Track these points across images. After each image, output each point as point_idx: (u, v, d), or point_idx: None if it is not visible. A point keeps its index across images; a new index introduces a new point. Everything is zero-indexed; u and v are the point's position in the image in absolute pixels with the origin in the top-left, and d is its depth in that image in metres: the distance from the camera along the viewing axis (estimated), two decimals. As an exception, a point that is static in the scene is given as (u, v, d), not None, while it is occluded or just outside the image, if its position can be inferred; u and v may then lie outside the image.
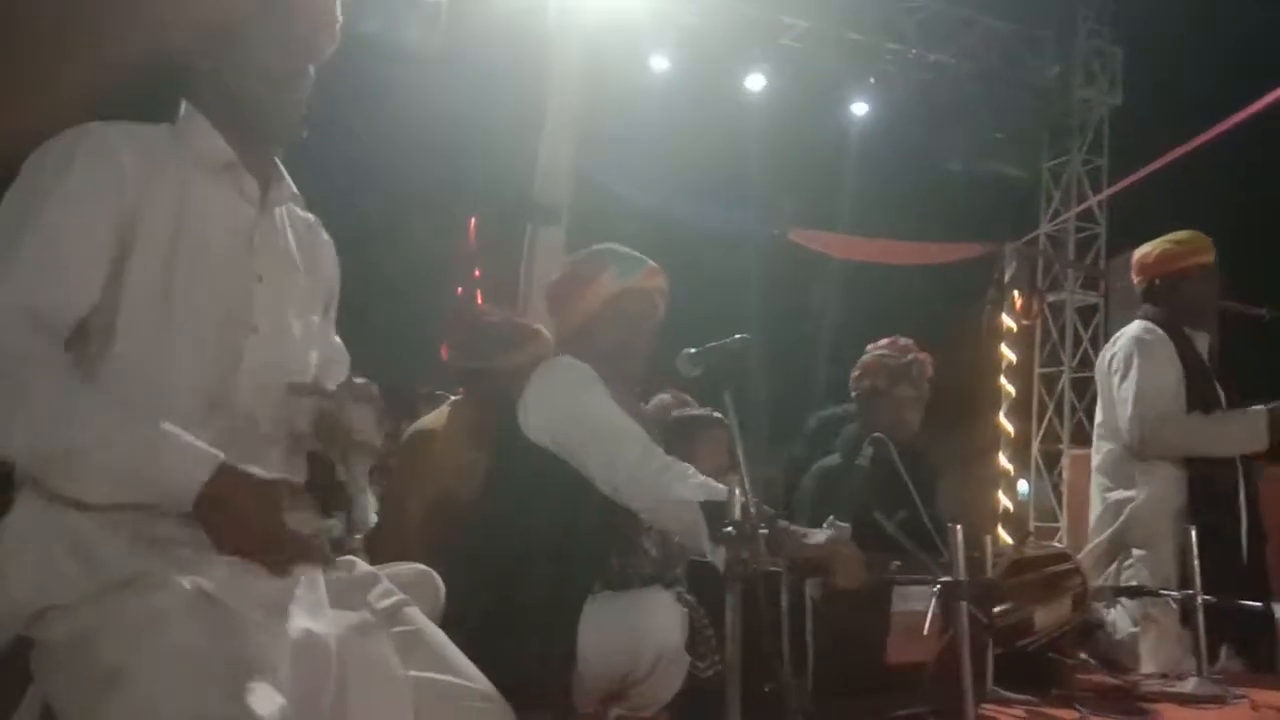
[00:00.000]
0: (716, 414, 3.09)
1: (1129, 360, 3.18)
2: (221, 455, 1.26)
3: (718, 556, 1.66)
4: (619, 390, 2.11)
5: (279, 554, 1.26)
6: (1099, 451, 3.33)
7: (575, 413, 1.96)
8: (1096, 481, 3.33)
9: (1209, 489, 3.09)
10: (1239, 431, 3.08)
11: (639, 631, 1.83)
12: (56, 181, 1.30)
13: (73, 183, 1.30)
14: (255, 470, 1.29)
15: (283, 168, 1.53)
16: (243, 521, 1.25)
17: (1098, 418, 3.39)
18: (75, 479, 1.22)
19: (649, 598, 1.93)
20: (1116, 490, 3.22)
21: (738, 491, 1.62)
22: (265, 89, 1.44)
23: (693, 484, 1.83)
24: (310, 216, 1.61)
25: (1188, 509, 3.06)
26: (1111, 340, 3.33)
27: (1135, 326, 3.27)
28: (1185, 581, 2.68)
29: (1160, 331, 3.22)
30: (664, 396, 3.20)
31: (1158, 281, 3.30)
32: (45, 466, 1.22)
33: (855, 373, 3.27)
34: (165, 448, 1.24)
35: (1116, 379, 3.20)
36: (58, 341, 1.28)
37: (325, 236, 1.64)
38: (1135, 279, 3.40)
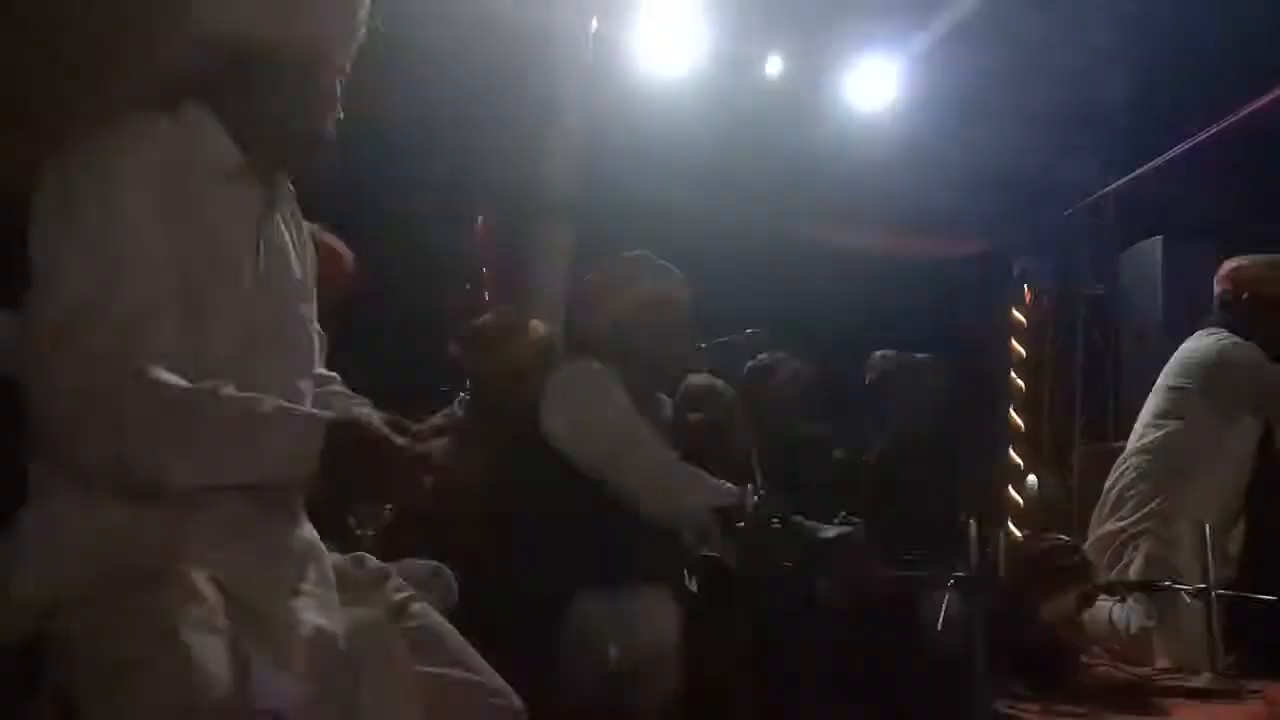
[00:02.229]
0: (723, 383, 3.09)
1: (1255, 369, 3.13)
2: (329, 414, 1.29)
3: (730, 556, 1.66)
4: (643, 394, 2.14)
5: (408, 483, 1.28)
6: (1149, 445, 3.28)
7: (590, 420, 2.00)
8: (1130, 470, 3.28)
9: (1267, 488, 3.09)
10: None
11: (627, 628, 1.82)
12: (102, 198, 1.26)
13: (116, 197, 1.27)
14: (358, 414, 1.32)
15: None
16: (363, 465, 1.25)
17: (1152, 415, 3.32)
18: (197, 474, 1.23)
19: (639, 595, 1.93)
20: (1153, 480, 3.19)
21: (749, 486, 1.62)
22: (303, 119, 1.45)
23: (704, 491, 1.84)
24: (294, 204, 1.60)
25: (1246, 507, 3.07)
26: (1202, 349, 3.23)
27: (1231, 338, 3.19)
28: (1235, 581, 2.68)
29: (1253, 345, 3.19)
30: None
31: (1245, 296, 3.24)
32: (164, 471, 1.21)
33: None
34: (280, 419, 1.26)
35: (1246, 386, 3.14)
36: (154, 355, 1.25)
37: (303, 222, 1.62)
38: (1223, 287, 3.32)
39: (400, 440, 1.28)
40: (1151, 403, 3.37)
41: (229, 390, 1.25)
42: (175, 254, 1.31)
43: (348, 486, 1.27)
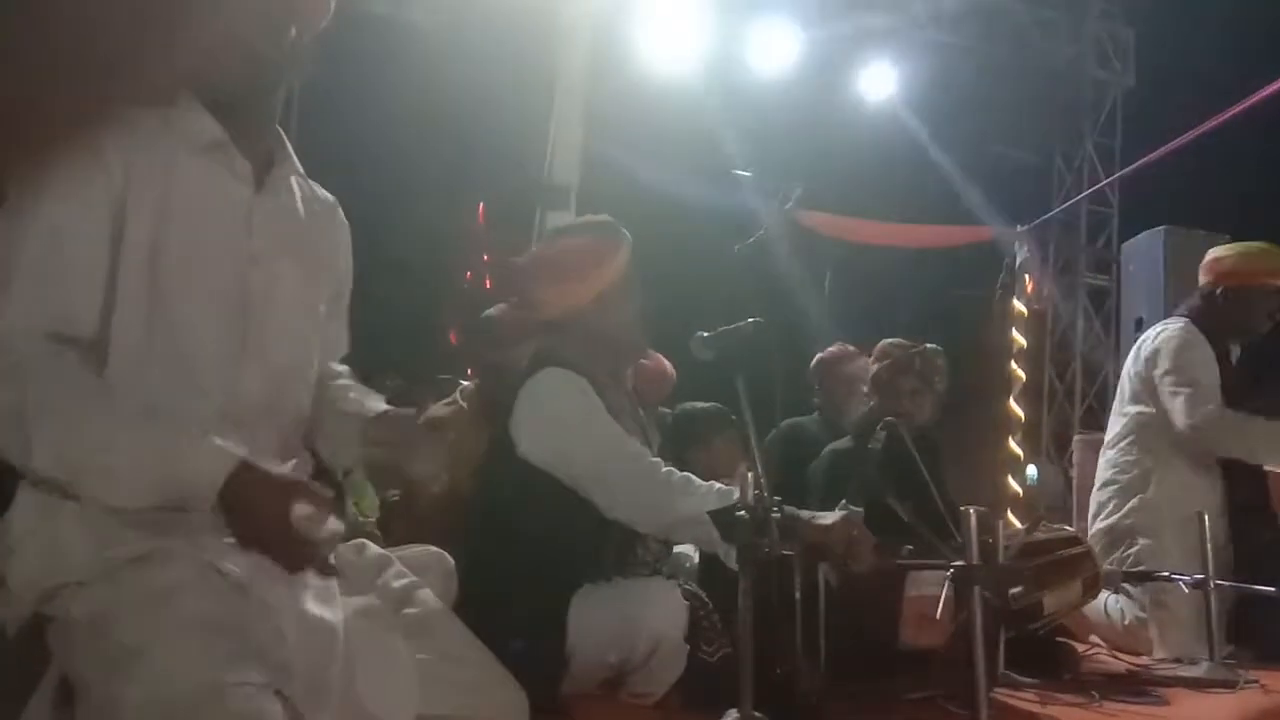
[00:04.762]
0: (723, 409, 3.07)
1: (1177, 357, 3.14)
2: (242, 453, 1.25)
3: (732, 558, 1.64)
4: (614, 390, 2.07)
5: (286, 558, 1.25)
6: (1118, 438, 3.30)
7: (568, 440, 1.91)
8: (1108, 466, 3.31)
9: (1241, 480, 3.07)
10: None
11: (635, 619, 1.81)
12: (47, 193, 1.27)
13: (63, 191, 1.27)
14: (274, 469, 1.29)
15: (289, 146, 1.50)
16: (254, 521, 1.24)
17: (1118, 405, 3.35)
18: (101, 489, 1.22)
19: (647, 586, 1.92)
20: (1130, 475, 3.21)
21: (750, 476, 1.61)
22: (243, 52, 1.38)
23: (697, 496, 1.80)
24: (330, 198, 1.58)
25: (1223, 500, 3.05)
26: (1150, 336, 3.27)
27: (1179, 325, 3.22)
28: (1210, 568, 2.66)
29: (1200, 334, 3.19)
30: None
31: (1220, 289, 3.24)
32: (71, 478, 1.22)
33: (870, 359, 3.28)
34: (186, 449, 1.24)
35: (1162, 375, 3.15)
36: (74, 349, 1.26)
37: (343, 219, 1.61)
38: (1203, 277, 3.33)
39: (296, 505, 1.23)
40: (1119, 392, 3.39)
41: (142, 417, 1.24)
42: (141, 240, 1.30)
43: (233, 527, 1.24)
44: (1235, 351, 3.27)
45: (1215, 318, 3.22)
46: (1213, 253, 3.35)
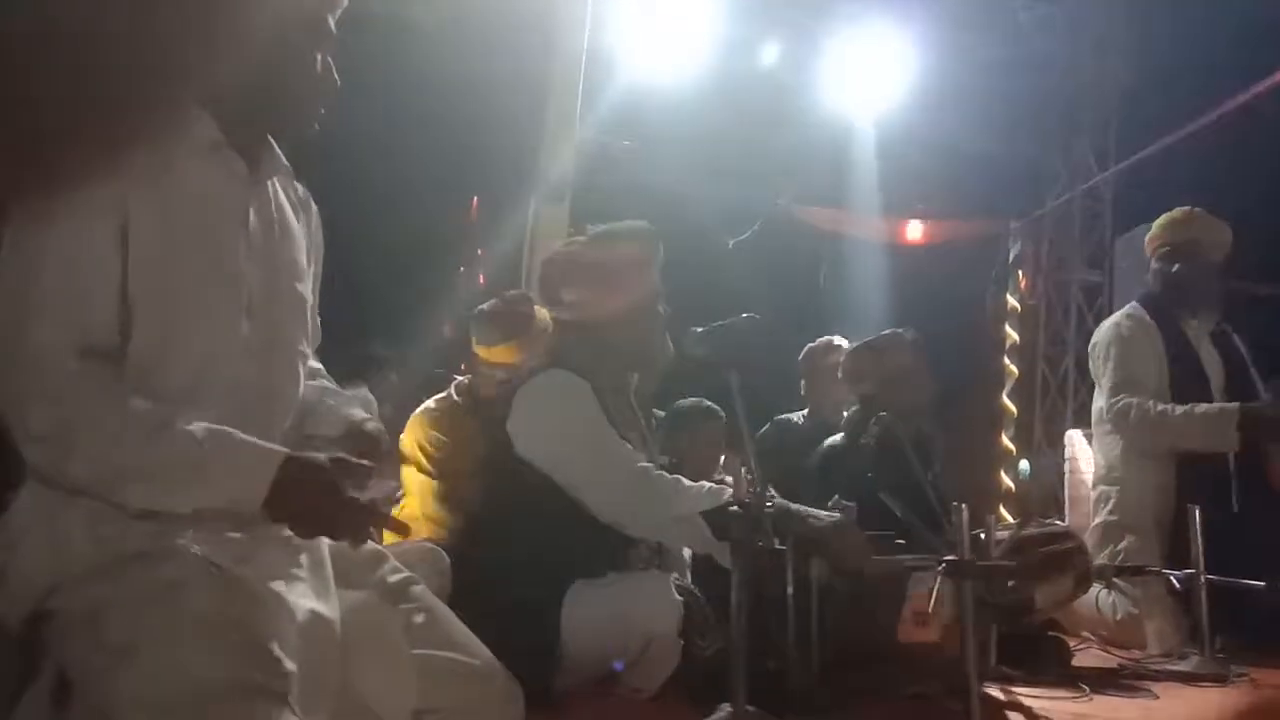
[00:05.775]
0: (711, 405, 3.08)
1: (1108, 348, 3.19)
2: (285, 451, 1.27)
3: (726, 557, 1.65)
4: (618, 397, 2.09)
5: (348, 532, 1.28)
6: (1094, 436, 3.35)
7: (564, 443, 1.94)
8: (1095, 465, 3.35)
9: (1199, 472, 3.07)
10: (1207, 430, 2.99)
11: (629, 616, 1.82)
12: (56, 209, 1.26)
13: (71, 204, 1.27)
14: (316, 456, 1.30)
15: (273, 141, 1.50)
16: (310, 510, 1.26)
17: (1095, 403, 3.40)
18: (147, 500, 1.23)
19: (641, 582, 1.93)
20: (1106, 473, 3.24)
21: (743, 470, 1.62)
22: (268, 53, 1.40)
23: (688, 498, 1.81)
24: (303, 190, 1.59)
25: (1176, 494, 3.03)
26: (1099, 328, 3.34)
27: (1119, 314, 3.29)
28: (1184, 563, 2.68)
29: (1145, 318, 3.21)
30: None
31: (1150, 265, 3.33)
32: (117, 492, 1.23)
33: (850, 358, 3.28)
34: (230, 455, 1.25)
35: (1099, 368, 3.21)
36: (104, 362, 1.26)
37: (316, 212, 1.62)
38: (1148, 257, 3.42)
39: (348, 487, 1.27)
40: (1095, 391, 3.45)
41: (182, 424, 1.25)
42: (147, 244, 1.30)
43: (291, 521, 1.27)
44: (1208, 324, 3.26)
45: (1163, 294, 3.26)
46: (1146, 238, 3.41)
